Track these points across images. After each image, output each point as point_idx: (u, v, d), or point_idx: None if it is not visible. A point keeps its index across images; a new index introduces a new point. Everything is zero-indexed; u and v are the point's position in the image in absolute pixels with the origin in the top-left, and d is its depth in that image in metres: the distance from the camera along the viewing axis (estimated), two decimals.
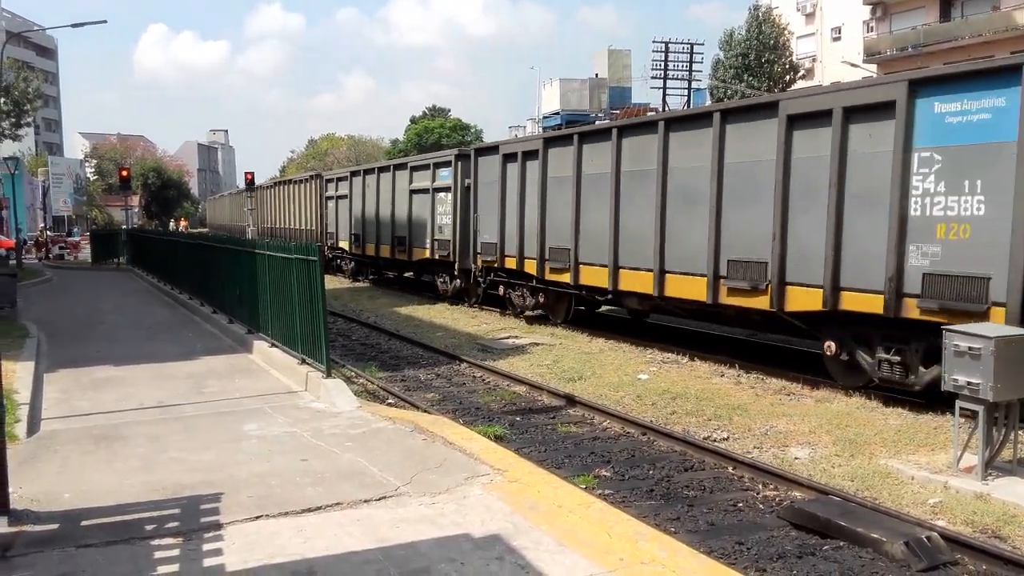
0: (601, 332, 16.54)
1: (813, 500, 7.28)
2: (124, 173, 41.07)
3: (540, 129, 69.11)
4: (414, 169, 24.68)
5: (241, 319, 14.20)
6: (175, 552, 5.37)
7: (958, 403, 7.78)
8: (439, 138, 77.04)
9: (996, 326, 8.32)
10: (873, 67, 44.94)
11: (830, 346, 11.38)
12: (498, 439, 9.08)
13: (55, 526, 5.83)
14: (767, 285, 12.00)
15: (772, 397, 11.29)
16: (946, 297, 9.67)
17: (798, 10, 52.94)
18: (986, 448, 7.58)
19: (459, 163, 21.88)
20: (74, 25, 33.73)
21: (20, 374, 10.89)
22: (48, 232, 49.04)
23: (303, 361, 10.69)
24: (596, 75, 74.74)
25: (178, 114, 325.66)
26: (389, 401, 11.36)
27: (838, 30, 51.17)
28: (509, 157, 19.03)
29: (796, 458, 8.64)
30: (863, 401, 10.76)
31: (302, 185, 36.51)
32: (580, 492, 6.69)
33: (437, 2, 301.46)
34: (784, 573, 6.08)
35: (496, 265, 19.68)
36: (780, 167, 11.73)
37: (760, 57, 47.89)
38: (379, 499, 6.29)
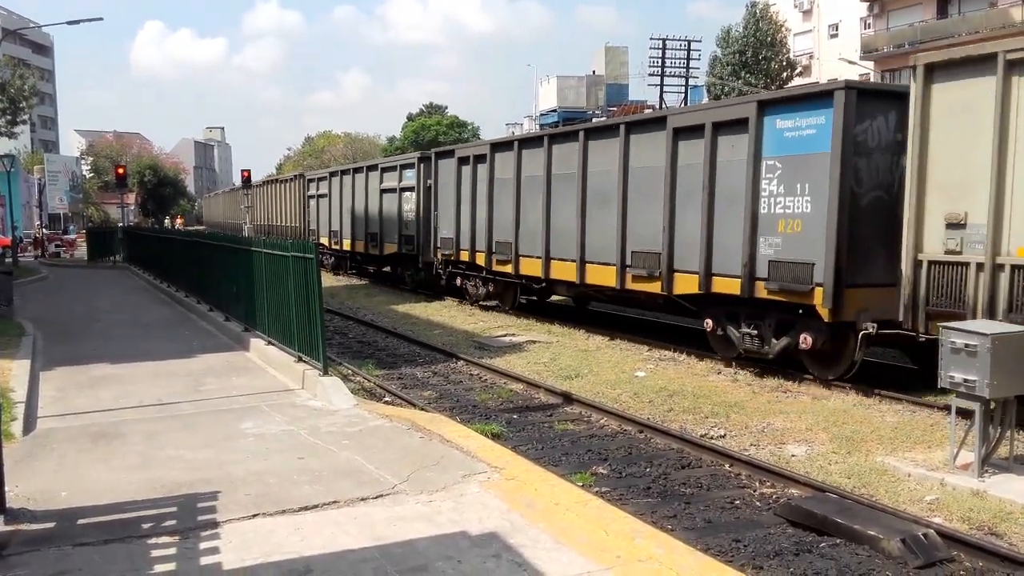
0: (598, 330, 16.55)
1: (810, 497, 7.29)
2: (120, 171, 41.05)
3: (537, 126, 69.10)
4: (384, 170, 26.74)
5: (238, 317, 14.18)
6: (172, 550, 5.36)
7: (955, 400, 7.80)
8: (436, 135, 76.95)
9: (993, 323, 8.34)
10: (870, 64, 44.99)
11: (708, 323, 13.39)
12: (495, 437, 9.08)
13: (51, 525, 5.82)
14: (660, 272, 14.01)
15: (769, 394, 11.30)
16: (785, 280, 11.63)
17: (795, 7, 52.96)
18: (982, 445, 7.59)
19: (421, 165, 23.85)
20: (70, 22, 33.76)
21: (16, 372, 10.88)
22: (44, 230, 48.94)
23: (300, 359, 10.68)
24: (593, 72, 74.84)
25: (175, 111, 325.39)
26: (386, 399, 11.36)
27: (835, 27, 51.20)
28: (463, 160, 21.01)
29: (793, 455, 8.65)
30: (860, 398, 10.78)
31: (287, 184, 38.65)
32: (577, 490, 6.68)
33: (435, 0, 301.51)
34: (781, 570, 6.09)
35: (453, 258, 21.55)
36: (668, 172, 13.76)
37: (757, 54, 47.91)
38: (376, 497, 6.29)
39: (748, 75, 47.10)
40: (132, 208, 77.85)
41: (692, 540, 6.25)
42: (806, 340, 11.53)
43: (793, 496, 7.47)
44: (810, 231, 11.28)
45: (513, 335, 16.53)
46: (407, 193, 24.85)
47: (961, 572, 6.04)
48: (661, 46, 53.60)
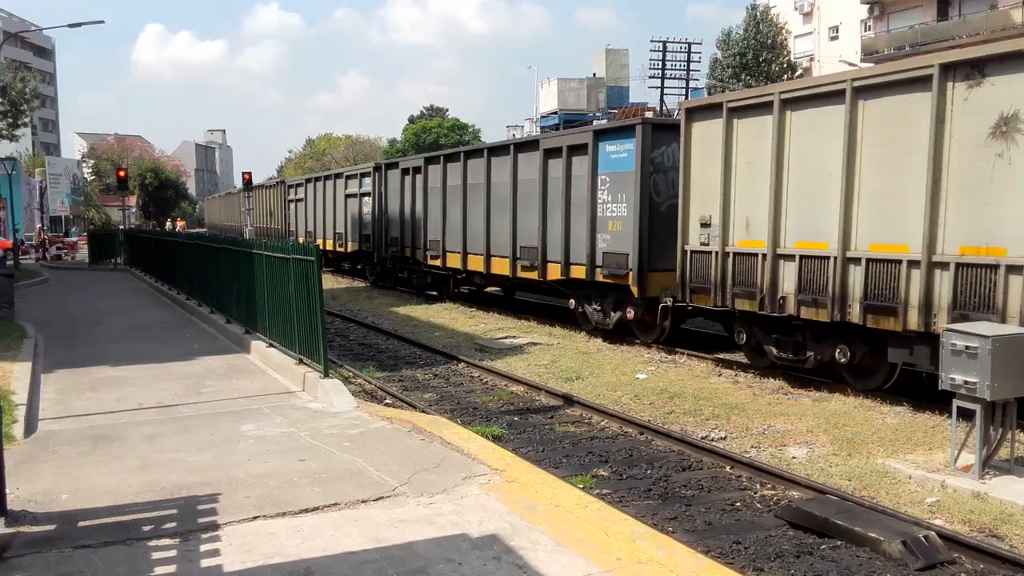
0: (599, 332, 16.54)
1: (811, 499, 7.29)
2: (121, 173, 41.02)
3: (538, 128, 69.17)
4: (348, 178, 30.29)
5: (239, 319, 14.19)
6: (172, 553, 5.37)
7: (955, 402, 7.79)
8: (437, 138, 77.08)
9: (994, 325, 8.33)
10: (870, 66, 44.95)
11: (572, 303, 17.16)
12: (496, 439, 9.09)
13: (52, 527, 5.83)
14: (537, 263, 17.68)
15: (770, 396, 11.30)
16: (612, 267, 15.27)
17: (796, 9, 53.00)
18: (983, 447, 7.58)
19: (376, 174, 27.40)
20: (71, 25, 33.70)
21: (17, 375, 10.89)
22: (44, 234, 48.97)
23: (301, 361, 10.69)
24: (594, 75, 74.79)
25: (176, 114, 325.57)
26: (387, 401, 11.36)
27: (836, 29, 51.23)
28: (405, 171, 24.92)
29: (794, 457, 8.65)
30: (860, 400, 10.77)
31: (271, 190, 42.52)
32: (578, 492, 6.68)
33: (435, 2, 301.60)
34: (782, 572, 6.09)
35: (399, 255, 25.33)
36: (540, 184, 17.55)
37: (758, 56, 47.93)
38: (377, 499, 6.29)
39: (749, 77, 47.12)
40: (133, 211, 77.93)
41: (693, 542, 6.26)
42: (630, 312, 15.20)
43: (794, 498, 7.47)
44: (626, 230, 14.96)
45: (514, 337, 16.53)
46: (365, 198, 28.09)
47: (962, 574, 6.04)
48: (662, 48, 53.67)
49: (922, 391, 10.42)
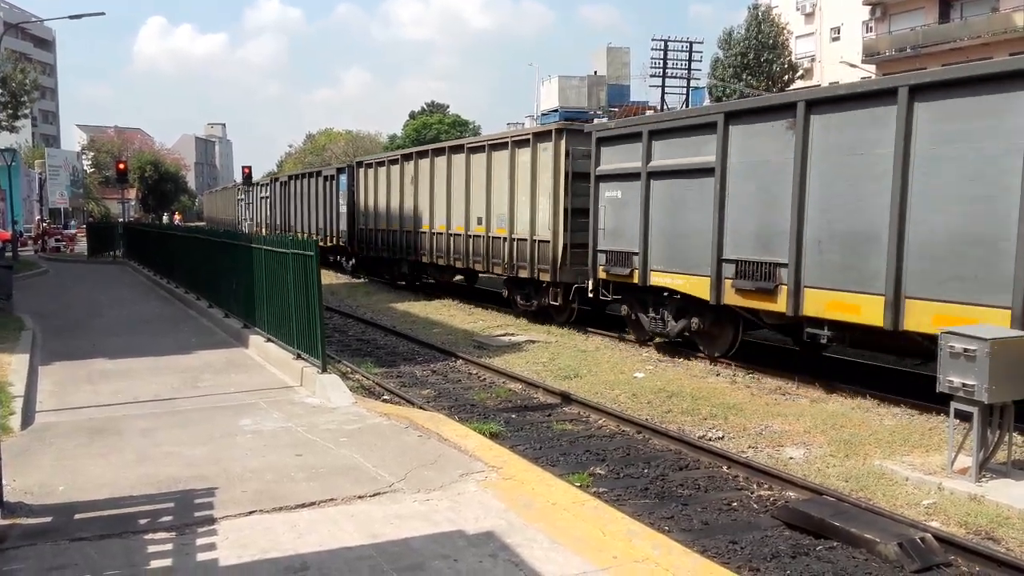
0: (597, 330, 16.55)
1: (807, 500, 7.29)
2: (121, 166, 41.01)
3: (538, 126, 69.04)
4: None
5: (237, 313, 14.17)
6: (168, 546, 5.36)
7: (953, 404, 7.80)
8: (438, 134, 76.93)
9: (993, 328, 8.33)
10: (872, 68, 44.97)
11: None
12: (493, 436, 9.08)
13: (49, 519, 5.82)
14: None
15: (767, 397, 11.30)
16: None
17: (797, 10, 52.90)
18: (980, 450, 7.59)
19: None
20: (72, 17, 33.70)
21: (15, 367, 10.87)
22: (45, 224, 48.90)
23: (299, 356, 10.68)
24: (595, 72, 74.72)
25: (176, 107, 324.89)
26: (385, 397, 11.36)
27: (837, 30, 51.14)
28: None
29: (791, 458, 8.65)
30: (858, 402, 10.77)
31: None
32: (574, 490, 6.68)
33: None
34: (778, 573, 6.09)
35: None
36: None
37: (759, 56, 47.83)
38: (373, 495, 6.29)
39: (750, 77, 47.07)
40: (133, 204, 77.81)
41: (689, 541, 6.26)
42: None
43: (791, 499, 7.48)
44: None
45: (512, 335, 16.53)
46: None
47: None
48: (663, 47, 53.54)
49: (920, 393, 10.42)
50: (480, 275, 21.98)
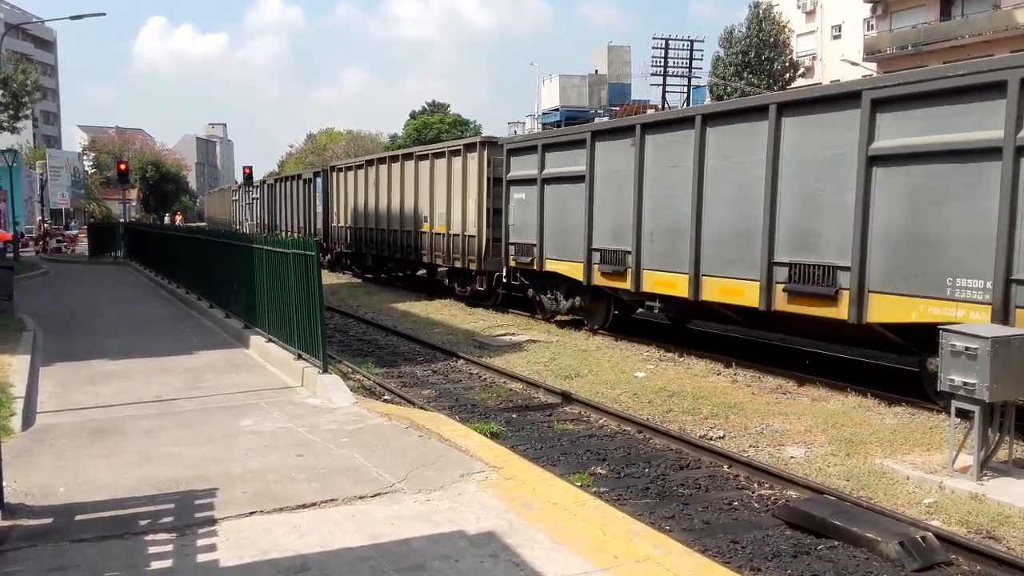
0: (598, 330, 16.54)
1: (808, 499, 7.28)
2: (122, 167, 41.04)
3: (539, 125, 69.08)
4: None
5: (238, 314, 14.18)
6: (169, 547, 5.36)
7: (954, 403, 7.79)
8: (439, 133, 76.88)
9: (993, 326, 8.33)
10: (873, 66, 44.92)
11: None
12: (494, 436, 9.08)
13: (49, 520, 5.82)
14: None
15: (768, 396, 11.29)
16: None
17: (798, 8, 52.83)
18: (981, 449, 7.58)
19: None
20: (73, 18, 33.77)
21: (16, 367, 10.88)
22: (46, 225, 48.95)
23: (299, 356, 10.68)
24: (596, 71, 74.65)
25: (177, 108, 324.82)
26: (385, 397, 11.35)
27: (838, 28, 51.08)
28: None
29: (792, 457, 8.64)
30: (859, 400, 10.77)
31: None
32: (575, 490, 6.68)
33: None
34: (779, 572, 6.08)
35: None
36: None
37: (760, 55, 47.81)
38: (374, 495, 6.29)
39: (751, 75, 47.03)
40: (134, 204, 77.90)
41: (690, 541, 6.25)
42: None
43: (791, 498, 7.47)
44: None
45: (513, 334, 16.53)
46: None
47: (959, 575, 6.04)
48: (664, 46, 53.52)
49: (921, 392, 10.41)
50: (439, 268, 24.17)
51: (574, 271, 16.25)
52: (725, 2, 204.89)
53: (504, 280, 19.19)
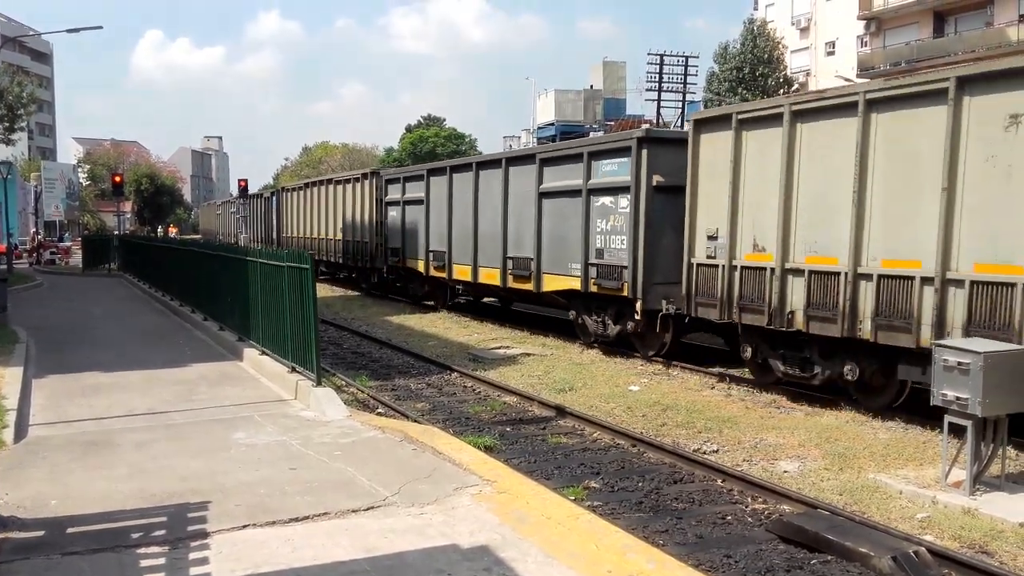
0: (593, 344, 16.54)
1: (802, 514, 7.28)
2: (117, 179, 40.97)
3: (535, 140, 69.33)
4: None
5: (232, 326, 14.16)
6: (161, 560, 5.35)
7: (947, 418, 7.81)
8: (434, 147, 77.13)
9: (986, 341, 8.36)
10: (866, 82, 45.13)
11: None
12: (488, 449, 9.07)
13: (41, 533, 5.80)
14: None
15: (762, 410, 11.30)
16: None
17: (793, 24, 53.24)
18: (974, 463, 7.60)
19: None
20: (70, 30, 33.88)
21: (8, 380, 10.85)
22: (40, 237, 48.85)
23: (293, 369, 10.67)
24: (591, 86, 74.99)
25: (173, 120, 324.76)
26: (379, 410, 11.34)
27: (832, 44, 51.43)
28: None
29: (785, 471, 8.65)
30: (853, 415, 10.78)
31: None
32: (569, 504, 6.68)
33: (435, 12, 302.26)
34: None
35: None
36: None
37: (754, 71, 48.11)
38: (367, 509, 6.28)
39: (745, 91, 47.28)
40: (128, 216, 77.79)
41: (683, 555, 6.25)
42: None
43: (785, 512, 7.47)
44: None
45: (507, 347, 16.53)
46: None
47: None
48: (659, 62, 53.79)
49: (914, 406, 10.43)
50: (351, 267, 29.67)
51: (421, 266, 23.14)
52: (720, 18, 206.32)
53: (386, 275, 26.26)
